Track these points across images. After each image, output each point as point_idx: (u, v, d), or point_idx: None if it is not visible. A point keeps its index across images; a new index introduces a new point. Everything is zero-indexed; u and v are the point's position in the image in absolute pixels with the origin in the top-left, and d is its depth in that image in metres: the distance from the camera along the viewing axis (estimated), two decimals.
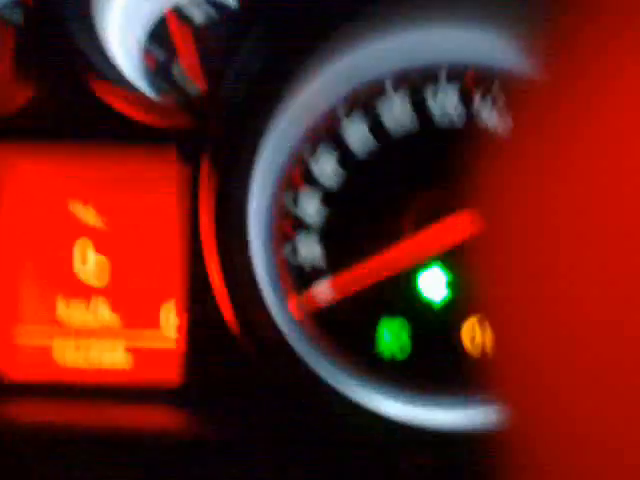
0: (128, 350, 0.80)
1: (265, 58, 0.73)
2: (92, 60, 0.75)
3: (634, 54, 0.23)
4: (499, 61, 0.75)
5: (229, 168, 0.75)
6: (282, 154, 0.80)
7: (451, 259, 0.77)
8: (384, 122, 0.79)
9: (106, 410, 0.76)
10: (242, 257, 0.76)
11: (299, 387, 0.75)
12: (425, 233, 0.77)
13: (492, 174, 0.29)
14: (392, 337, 0.79)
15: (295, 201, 0.80)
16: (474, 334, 0.78)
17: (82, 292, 0.79)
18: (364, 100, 0.80)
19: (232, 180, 0.75)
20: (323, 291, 0.78)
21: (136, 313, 0.80)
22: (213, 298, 0.76)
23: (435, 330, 0.79)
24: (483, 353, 0.78)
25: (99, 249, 0.79)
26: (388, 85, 0.80)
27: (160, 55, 0.84)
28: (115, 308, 0.79)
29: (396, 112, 0.80)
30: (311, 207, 0.80)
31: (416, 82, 0.79)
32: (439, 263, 0.78)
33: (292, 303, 0.79)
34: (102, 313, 0.80)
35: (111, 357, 0.79)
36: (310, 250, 0.80)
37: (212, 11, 0.84)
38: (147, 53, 0.84)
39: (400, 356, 0.79)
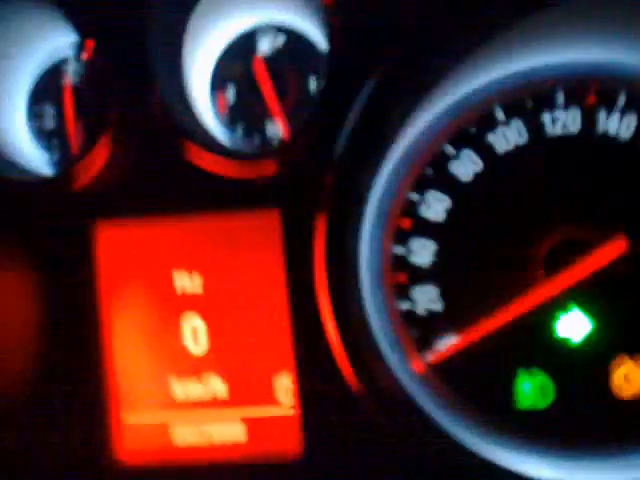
0: (244, 421, 0.75)
1: (367, 106, 0.67)
2: (185, 126, 0.72)
3: None
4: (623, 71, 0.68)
5: (340, 221, 0.70)
6: (390, 199, 0.74)
7: (589, 297, 0.69)
8: (497, 152, 0.72)
9: None
10: (358, 314, 0.71)
11: (430, 449, 0.68)
12: (559, 276, 0.69)
13: None
14: (533, 389, 0.71)
15: (408, 251, 0.74)
16: (627, 373, 0.70)
17: (194, 367, 0.75)
18: (474, 133, 0.73)
19: (343, 234, 0.70)
20: (448, 347, 0.72)
21: (250, 384, 0.75)
22: (331, 360, 0.70)
23: (579, 376, 0.71)
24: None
25: (207, 320, 0.75)
26: (499, 114, 0.73)
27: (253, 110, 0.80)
28: (229, 380, 0.75)
29: (510, 140, 0.72)
30: (425, 257, 0.73)
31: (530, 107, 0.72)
32: (577, 304, 0.70)
33: (415, 361, 0.73)
34: (215, 387, 0.76)
35: (228, 431, 0.75)
36: (429, 304, 0.73)
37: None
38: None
39: (541, 405, 0.71)
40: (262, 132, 0.80)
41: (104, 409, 0.74)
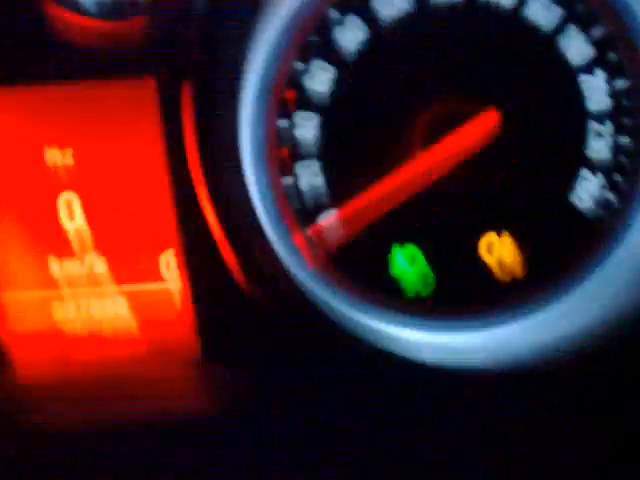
0: (131, 308, 0.74)
1: None
2: None
3: None
4: None
5: (214, 90, 0.66)
6: (271, 71, 0.70)
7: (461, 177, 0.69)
8: (382, 19, 0.69)
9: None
10: (238, 188, 0.69)
11: (310, 328, 0.69)
12: (436, 148, 0.68)
13: None
14: (407, 264, 0.72)
15: (291, 126, 0.71)
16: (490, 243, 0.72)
17: (72, 245, 0.73)
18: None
19: (219, 104, 0.67)
20: (330, 224, 0.71)
21: (131, 261, 0.74)
22: (211, 235, 0.69)
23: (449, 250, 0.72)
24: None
25: (82, 197, 0.72)
26: None
27: None
28: (111, 262, 0.74)
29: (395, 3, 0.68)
30: (308, 132, 0.71)
31: None
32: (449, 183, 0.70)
33: (298, 238, 0.72)
34: (98, 269, 0.74)
35: (115, 316, 0.75)
36: (311, 180, 0.72)
37: None
38: None
39: (424, 292, 0.73)
40: None
41: None
